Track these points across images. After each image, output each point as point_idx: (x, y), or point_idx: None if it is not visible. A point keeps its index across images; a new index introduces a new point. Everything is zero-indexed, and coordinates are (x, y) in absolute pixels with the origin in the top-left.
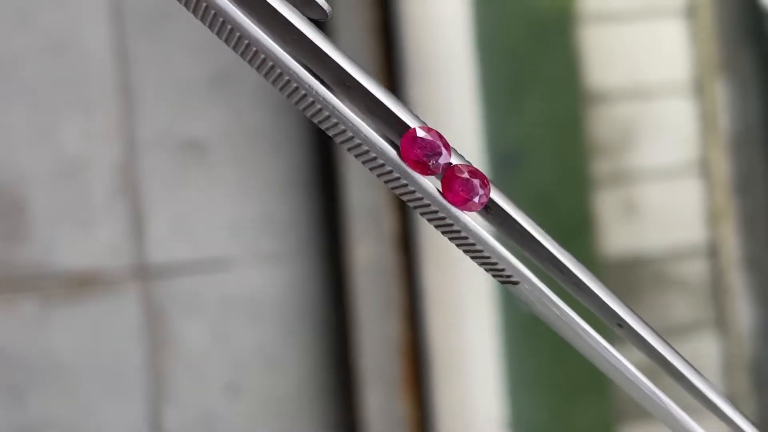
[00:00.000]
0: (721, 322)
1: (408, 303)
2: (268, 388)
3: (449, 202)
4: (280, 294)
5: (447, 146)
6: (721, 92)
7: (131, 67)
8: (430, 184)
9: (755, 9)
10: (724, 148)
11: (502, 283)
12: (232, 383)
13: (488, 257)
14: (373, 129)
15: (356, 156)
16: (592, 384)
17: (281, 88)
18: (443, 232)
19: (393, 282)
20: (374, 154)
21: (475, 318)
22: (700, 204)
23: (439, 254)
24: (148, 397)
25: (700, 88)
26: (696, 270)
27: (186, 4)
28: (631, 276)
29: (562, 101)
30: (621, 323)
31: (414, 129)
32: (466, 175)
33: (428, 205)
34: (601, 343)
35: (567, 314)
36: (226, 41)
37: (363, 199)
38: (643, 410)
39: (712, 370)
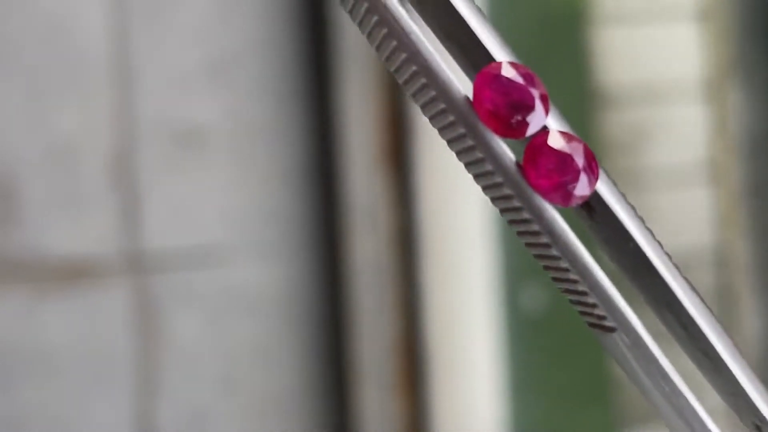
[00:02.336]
0: (729, 328)
1: (406, 301)
2: (262, 382)
3: (531, 184)
4: (276, 288)
5: (545, 99)
6: (733, 95)
7: (130, 53)
8: (508, 152)
9: None
10: (736, 152)
11: (590, 324)
12: (225, 378)
13: (575, 281)
14: (440, 55)
15: (413, 95)
16: (595, 387)
17: None
18: (519, 233)
19: (391, 279)
20: (434, 92)
21: (475, 317)
22: (709, 208)
23: (438, 252)
24: (139, 389)
25: (712, 91)
26: (704, 275)
27: None
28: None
29: (572, 101)
30: (761, 425)
31: (499, 64)
32: (565, 147)
33: (500, 185)
34: None
35: (681, 395)
36: None
37: (362, 193)
38: (646, 414)
39: None
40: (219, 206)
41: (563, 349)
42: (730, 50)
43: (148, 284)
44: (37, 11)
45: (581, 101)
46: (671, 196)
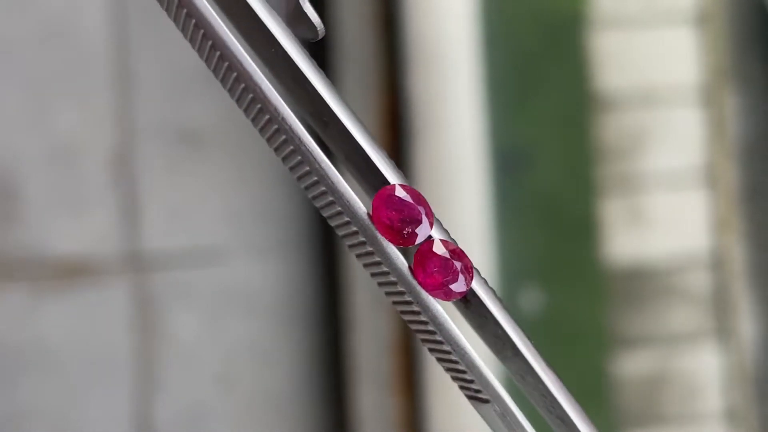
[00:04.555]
0: (724, 332)
1: None
2: (259, 381)
3: (419, 283)
4: (274, 287)
5: (429, 214)
6: (730, 100)
7: (130, 55)
8: (401, 257)
9: (766, 16)
10: (733, 157)
11: (468, 397)
12: (222, 376)
13: (456, 362)
14: (344, 178)
15: (321, 208)
16: (592, 389)
17: (245, 109)
18: (409, 321)
19: None
20: (339, 208)
21: None
22: (706, 212)
23: None
24: (137, 387)
25: (709, 96)
26: (701, 279)
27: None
28: (635, 284)
29: (569, 104)
30: None
31: (392, 186)
32: (446, 253)
33: (394, 284)
34: None
35: None
36: (190, 39)
37: None
38: (645, 417)
39: (714, 382)
40: (217, 206)
41: (560, 352)
42: (727, 55)
43: (147, 283)
44: (39, 12)
45: (579, 105)
46: (668, 199)
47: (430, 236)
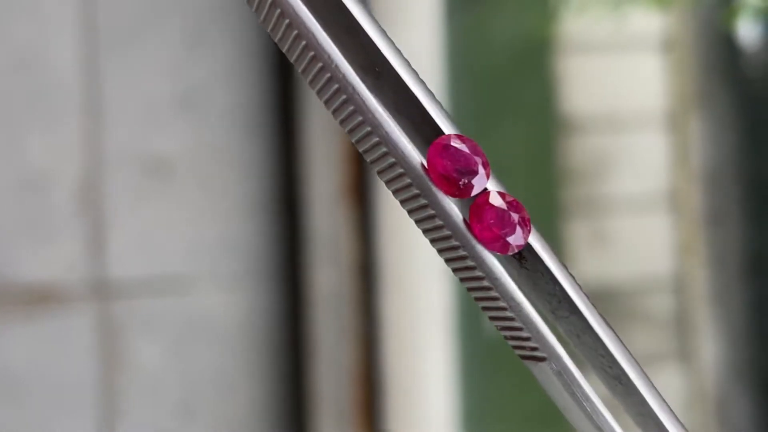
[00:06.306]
0: (686, 355)
1: (365, 331)
2: (222, 411)
3: (475, 236)
4: (238, 317)
5: (486, 165)
6: (695, 126)
7: (99, 84)
8: (456, 210)
9: (731, 45)
10: (696, 182)
11: (523, 357)
12: (185, 404)
13: (511, 319)
14: (398, 128)
15: (372, 162)
16: (551, 414)
17: (296, 59)
18: (462, 279)
19: (351, 309)
20: (393, 159)
21: (432, 347)
22: (669, 236)
23: (398, 283)
24: (100, 416)
25: (674, 122)
26: (663, 302)
27: None
28: (598, 306)
29: (536, 127)
30: None
31: (448, 136)
32: (503, 205)
33: (448, 238)
34: None
35: (600, 414)
36: None
37: (324, 226)
38: None
39: (676, 404)
40: (183, 235)
41: (520, 378)
42: (692, 81)
43: (112, 311)
44: (7, 40)
45: (546, 128)
46: (632, 223)
47: (486, 188)
